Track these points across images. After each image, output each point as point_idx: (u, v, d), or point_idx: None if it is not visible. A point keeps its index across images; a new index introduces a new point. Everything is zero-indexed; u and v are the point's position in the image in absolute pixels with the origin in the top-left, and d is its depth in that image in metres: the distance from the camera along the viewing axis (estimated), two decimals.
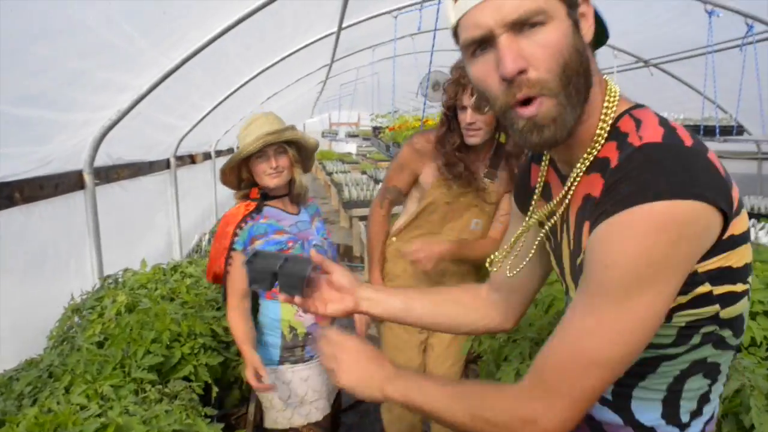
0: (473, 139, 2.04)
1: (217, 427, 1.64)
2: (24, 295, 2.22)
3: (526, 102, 0.82)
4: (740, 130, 6.00)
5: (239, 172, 2.02)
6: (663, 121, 0.81)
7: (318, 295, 1.16)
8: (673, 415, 0.89)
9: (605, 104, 0.87)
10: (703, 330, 0.83)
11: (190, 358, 2.07)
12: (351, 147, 20.35)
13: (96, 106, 2.54)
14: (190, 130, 4.51)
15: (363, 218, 6.68)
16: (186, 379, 2.00)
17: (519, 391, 0.86)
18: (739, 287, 0.81)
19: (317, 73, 7.47)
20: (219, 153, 6.81)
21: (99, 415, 1.59)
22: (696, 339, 0.83)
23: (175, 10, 2.39)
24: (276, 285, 1.13)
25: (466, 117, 2.00)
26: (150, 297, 2.39)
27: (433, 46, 4.63)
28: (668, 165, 0.73)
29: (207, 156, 6.20)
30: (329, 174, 11.30)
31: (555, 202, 0.97)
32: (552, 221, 1.00)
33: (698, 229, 0.73)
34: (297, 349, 1.98)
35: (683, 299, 0.79)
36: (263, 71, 4.73)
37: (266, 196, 2.03)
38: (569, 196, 0.92)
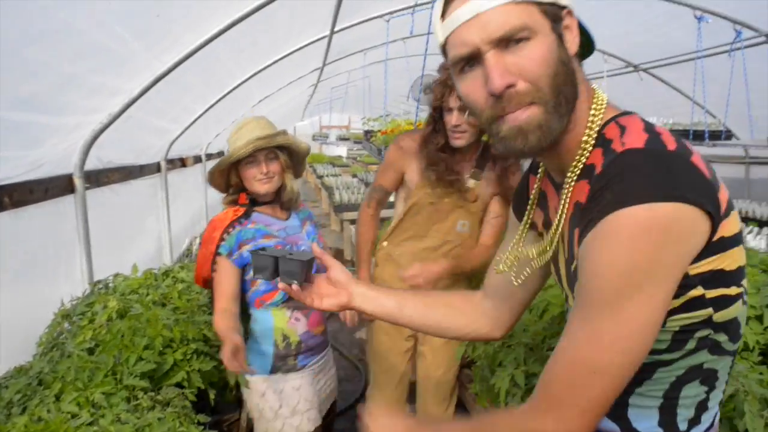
0: (458, 141, 2.04)
1: None
2: (12, 300, 2.18)
3: (511, 114, 0.83)
4: (729, 134, 6.07)
5: (228, 176, 1.96)
6: (648, 127, 0.81)
7: (315, 289, 1.19)
8: (670, 422, 0.89)
9: (592, 112, 0.88)
10: (698, 334, 0.83)
11: (182, 364, 2.04)
12: (341, 150, 20.31)
13: (87, 109, 2.52)
14: (181, 134, 4.48)
15: (354, 221, 6.65)
16: (179, 385, 1.97)
17: (528, 407, 0.86)
18: (732, 290, 0.82)
19: (309, 76, 7.46)
20: (210, 156, 6.77)
21: (90, 424, 1.58)
22: (691, 344, 0.83)
23: (168, 13, 2.38)
24: (277, 278, 1.17)
25: (452, 119, 2.00)
26: (141, 302, 2.36)
27: (426, 50, 4.63)
28: (649, 169, 0.74)
29: (198, 159, 6.17)
30: (320, 177, 11.27)
31: (550, 210, 0.98)
32: (548, 230, 1.01)
33: (683, 231, 0.74)
34: (289, 358, 1.94)
35: (676, 303, 0.79)
36: (255, 74, 4.72)
37: (255, 201, 1.98)
38: (565, 206, 0.92)
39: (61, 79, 2.08)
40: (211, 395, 2.02)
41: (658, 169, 0.74)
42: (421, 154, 2.12)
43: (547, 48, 0.82)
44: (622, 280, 0.74)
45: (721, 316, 0.82)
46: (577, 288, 0.82)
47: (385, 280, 2.30)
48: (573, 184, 0.89)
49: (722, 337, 0.84)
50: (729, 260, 0.80)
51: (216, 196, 2.02)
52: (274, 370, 1.93)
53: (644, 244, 0.72)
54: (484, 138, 2.12)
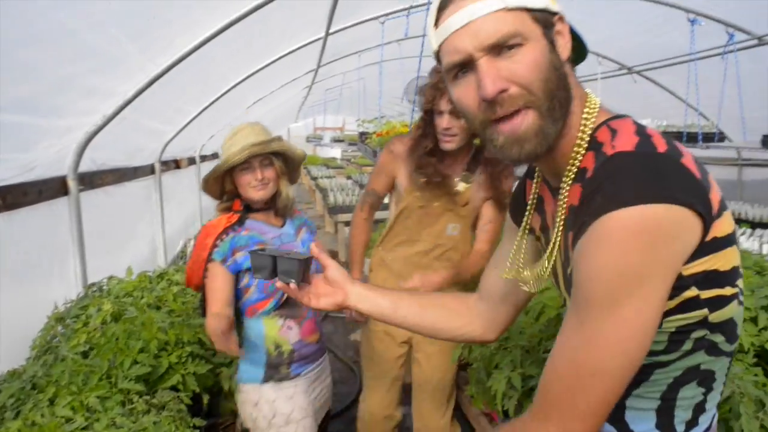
0: (449, 144, 2.03)
1: None
2: (6, 303, 2.17)
3: (507, 118, 0.84)
4: (722, 137, 6.10)
5: (222, 183, 1.93)
6: (639, 130, 0.82)
7: (312, 289, 1.20)
8: (667, 425, 0.89)
9: (584, 116, 0.89)
10: (694, 335, 0.83)
11: (177, 367, 2.04)
12: (336, 152, 20.31)
13: (82, 111, 2.51)
14: (176, 135, 4.47)
15: (348, 223, 6.66)
16: (174, 388, 1.97)
17: (529, 415, 0.86)
18: (727, 291, 0.82)
19: (303, 78, 7.46)
20: (204, 158, 6.76)
21: (85, 428, 1.57)
22: (688, 345, 0.84)
23: (164, 15, 2.37)
24: (275, 277, 1.18)
25: (443, 122, 1.99)
26: (136, 305, 2.36)
27: (421, 52, 4.64)
28: (638, 171, 0.75)
29: (192, 161, 6.15)
30: (314, 179, 11.26)
31: (547, 215, 0.98)
32: (545, 234, 1.01)
33: (674, 232, 0.74)
34: (282, 366, 1.90)
35: (671, 304, 0.80)
36: (250, 76, 4.71)
37: (249, 208, 1.95)
38: (562, 210, 0.93)
39: (56, 81, 2.07)
40: (205, 400, 2.01)
41: (648, 170, 0.75)
42: (411, 158, 2.12)
43: (539, 53, 0.83)
44: (615, 281, 0.74)
45: (716, 317, 0.82)
46: (573, 291, 0.82)
47: (378, 285, 2.29)
48: (568, 188, 0.90)
49: (719, 338, 0.85)
50: (723, 260, 0.80)
51: (210, 198, 2.00)
52: (266, 379, 1.89)
53: (636, 246, 0.73)
54: (476, 142, 2.12)
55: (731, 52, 4.81)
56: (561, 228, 0.93)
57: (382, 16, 5.03)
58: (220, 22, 2.83)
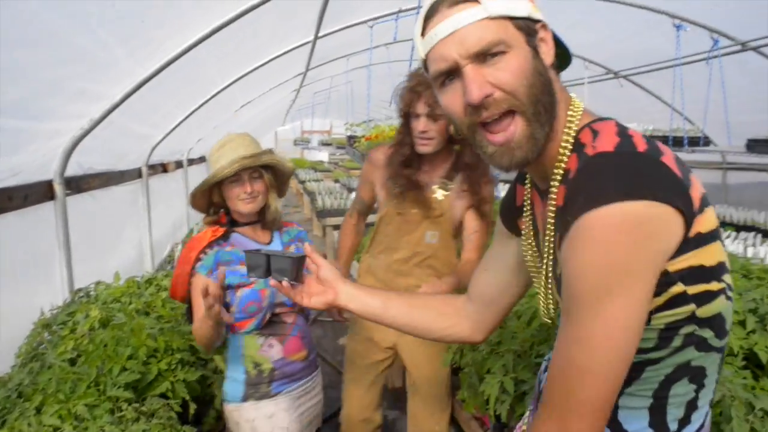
0: (425, 148, 2.02)
1: None
2: None
3: (495, 123, 0.87)
4: (707, 141, 6.18)
5: (210, 196, 1.89)
6: (621, 132, 0.84)
7: (305, 289, 1.22)
8: (660, 423, 0.89)
9: (568, 118, 0.92)
10: (683, 331, 0.84)
11: (167, 374, 2.01)
12: (323, 155, 20.28)
13: (69, 115, 2.48)
14: (163, 139, 4.43)
15: (336, 227, 6.64)
16: (163, 396, 1.94)
17: (535, 418, 0.87)
18: (714, 286, 0.83)
19: (291, 81, 7.45)
20: (191, 161, 6.71)
21: None
22: (677, 341, 0.84)
23: (153, 19, 2.35)
24: (269, 276, 1.21)
25: (419, 125, 1.99)
26: (124, 311, 2.33)
27: (411, 56, 4.65)
28: (619, 170, 0.77)
29: (179, 165, 6.10)
30: (302, 182, 11.20)
31: (537, 217, 1.00)
32: (537, 237, 1.03)
33: (655, 228, 0.76)
34: (262, 385, 1.85)
35: (659, 300, 0.81)
36: (238, 79, 4.69)
37: (234, 222, 1.92)
38: (551, 212, 0.94)
39: (43, 85, 2.05)
40: (191, 409, 1.97)
41: (627, 169, 0.77)
42: (389, 167, 2.12)
43: (522, 60, 0.86)
44: (599, 279, 0.76)
45: (704, 312, 0.83)
46: (562, 291, 0.84)
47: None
48: (556, 190, 0.92)
49: (708, 333, 0.85)
50: (707, 256, 0.82)
51: None
52: (246, 397, 1.84)
53: (617, 243, 0.75)
54: (456, 148, 2.11)
55: (716, 57, 4.88)
56: (552, 230, 0.94)
57: (371, 20, 5.05)
58: (209, 25, 2.82)
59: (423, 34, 0.91)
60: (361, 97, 9.25)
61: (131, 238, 4.26)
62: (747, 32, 4.69)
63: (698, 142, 5.98)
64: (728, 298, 0.86)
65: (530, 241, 1.07)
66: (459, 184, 2.11)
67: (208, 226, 1.90)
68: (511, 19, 0.86)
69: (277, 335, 1.87)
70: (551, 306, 1.04)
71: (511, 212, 1.14)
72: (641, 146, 0.80)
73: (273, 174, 1.90)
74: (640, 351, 0.84)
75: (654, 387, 0.88)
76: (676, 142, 5.65)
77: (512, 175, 1.17)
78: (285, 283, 1.19)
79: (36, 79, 1.95)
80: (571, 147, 0.90)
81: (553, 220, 0.93)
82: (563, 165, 0.90)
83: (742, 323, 1.85)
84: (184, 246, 1.90)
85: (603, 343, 0.77)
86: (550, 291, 1.02)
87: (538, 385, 1.15)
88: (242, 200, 1.82)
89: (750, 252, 3.85)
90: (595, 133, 0.86)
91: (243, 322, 1.82)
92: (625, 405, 0.90)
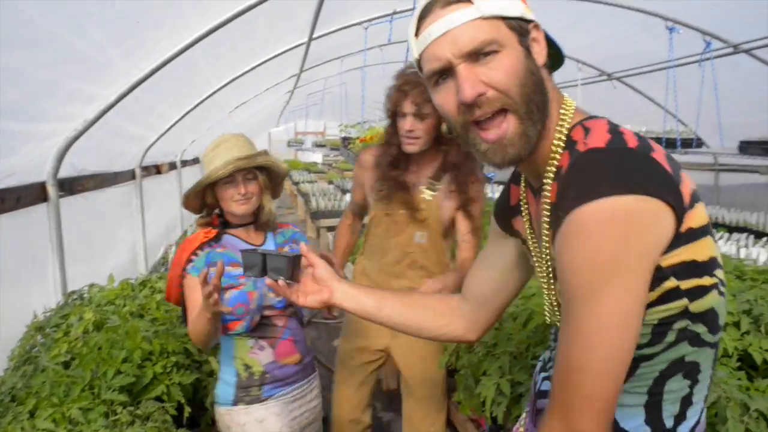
0: (411, 147, 2.02)
1: None
2: None
3: (488, 121, 0.88)
4: (699, 142, 6.22)
5: (203, 197, 1.87)
6: (612, 129, 0.85)
7: (301, 288, 1.22)
8: (656, 419, 0.90)
9: (560, 116, 0.93)
10: (676, 326, 0.84)
11: (162, 377, 2.00)
12: (317, 156, 20.27)
13: (64, 116, 2.47)
14: (157, 140, 4.41)
15: (330, 228, 6.64)
16: (158, 399, 1.93)
17: (544, 416, 0.87)
18: (706, 280, 0.84)
19: (285, 82, 7.44)
20: (185, 163, 6.69)
21: None
22: (671, 336, 0.85)
23: (152, 19, 2.34)
24: (265, 275, 1.22)
25: (406, 124, 1.99)
26: (119, 314, 2.31)
27: (406, 58, 4.65)
28: (609, 166, 0.78)
29: (173, 166, 6.08)
30: (296, 183, 11.19)
31: (532, 216, 1.01)
32: (532, 236, 1.03)
33: (646, 223, 0.76)
34: (253, 388, 1.82)
35: (652, 296, 0.81)
36: (232, 81, 4.68)
37: (226, 223, 1.90)
38: (545, 209, 0.95)
39: (37, 86, 2.03)
40: (186, 412, 1.96)
41: (618, 164, 0.78)
42: (376, 169, 2.12)
43: (515, 59, 0.87)
44: (592, 273, 0.76)
45: (696, 307, 0.84)
46: (559, 287, 0.84)
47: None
48: (549, 187, 0.93)
49: (701, 329, 0.86)
50: (699, 250, 0.82)
51: None
52: (237, 401, 1.82)
53: (609, 236, 0.75)
54: (444, 148, 2.11)
55: (708, 59, 4.91)
56: (547, 228, 0.94)
57: (365, 21, 5.05)
58: (206, 25, 2.81)
59: (417, 34, 0.93)
60: (355, 99, 9.26)
61: (125, 239, 4.24)
62: (739, 35, 4.73)
63: (691, 143, 6.02)
64: (721, 293, 0.87)
65: (531, 243, 1.07)
66: (447, 184, 2.10)
67: (201, 228, 1.88)
68: (504, 19, 0.88)
69: (267, 338, 1.85)
70: (555, 308, 1.04)
71: (505, 212, 1.15)
72: (632, 142, 0.81)
73: (267, 175, 1.89)
74: (635, 347, 0.84)
75: (649, 383, 0.88)
76: (669, 144, 5.69)
77: (507, 177, 1.18)
78: (281, 282, 1.19)
79: (30, 80, 1.94)
80: (563, 144, 0.91)
81: (548, 218, 0.93)
82: (556, 162, 0.91)
83: (737, 324, 1.86)
84: (177, 248, 1.88)
85: (599, 337, 0.77)
86: (553, 292, 1.02)
87: (534, 387, 1.15)
88: (236, 201, 1.80)
89: (743, 253, 3.88)
90: (586, 131, 0.87)
91: (232, 323, 1.80)
92: (620, 403, 0.89)
